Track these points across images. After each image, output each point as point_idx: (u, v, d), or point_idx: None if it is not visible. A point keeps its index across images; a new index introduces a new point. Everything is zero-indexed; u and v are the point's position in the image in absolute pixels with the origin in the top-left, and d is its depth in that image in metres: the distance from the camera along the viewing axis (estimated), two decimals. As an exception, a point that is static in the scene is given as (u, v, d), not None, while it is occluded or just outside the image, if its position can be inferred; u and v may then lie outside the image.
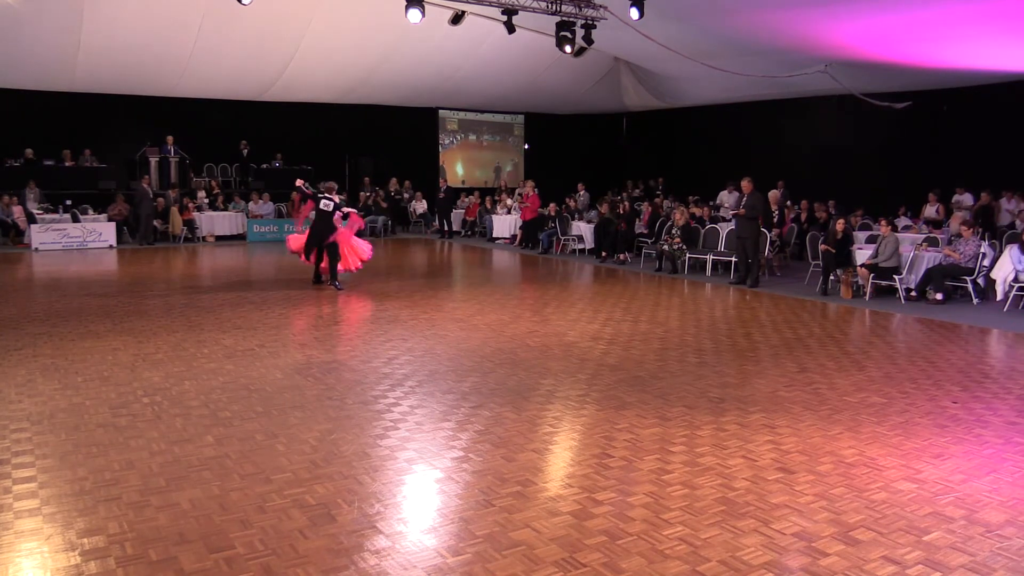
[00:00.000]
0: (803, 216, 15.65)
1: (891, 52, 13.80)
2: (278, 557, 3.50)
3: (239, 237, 18.24)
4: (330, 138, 20.96)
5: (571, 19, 13.77)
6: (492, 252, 17.18)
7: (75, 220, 16.35)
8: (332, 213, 11.03)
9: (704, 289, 12.01)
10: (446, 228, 19.71)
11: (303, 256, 11.33)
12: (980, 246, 10.68)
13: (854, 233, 12.51)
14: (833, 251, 11.21)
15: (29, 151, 17.76)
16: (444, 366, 6.94)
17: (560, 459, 4.83)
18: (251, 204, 18.84)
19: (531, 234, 17.47)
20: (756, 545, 3.66)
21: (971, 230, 10.94)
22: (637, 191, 22.16)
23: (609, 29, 14.20)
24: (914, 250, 11.17)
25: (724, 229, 13.55)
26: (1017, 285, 10.09)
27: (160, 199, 17.52)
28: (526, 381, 6.48)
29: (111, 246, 16.36)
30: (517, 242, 18.01)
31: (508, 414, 5.58)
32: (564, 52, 14.38)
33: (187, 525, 3.79)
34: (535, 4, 13.51)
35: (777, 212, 14.46)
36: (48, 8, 14.19)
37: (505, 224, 18.90)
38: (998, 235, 13.12)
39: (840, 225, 11.41)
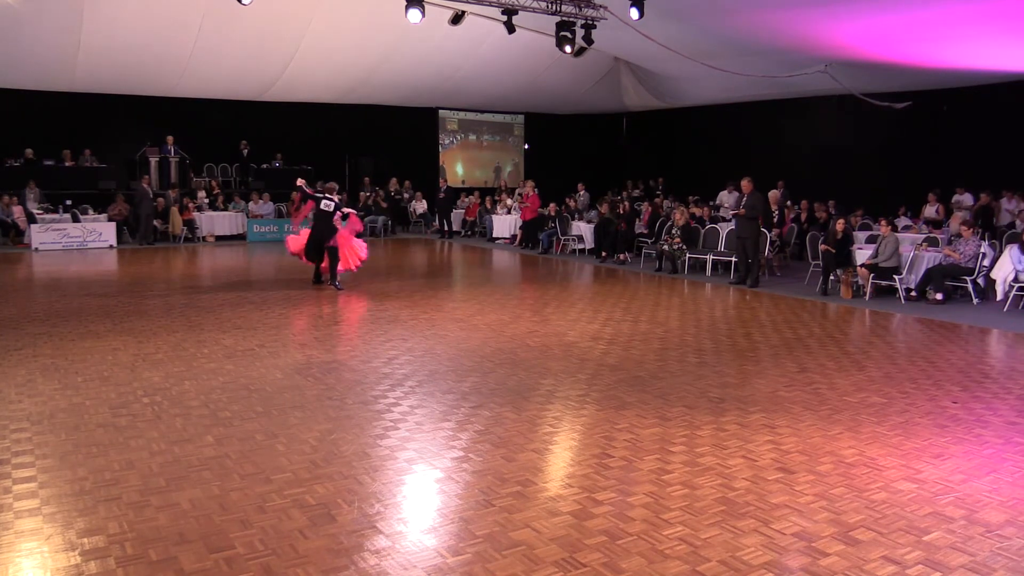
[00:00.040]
0: (803, 216, 15.65)
1: (891, 52, 13.80)
2: (278, 557, 3.50)
3: (239, 237, 18.24)
4: (330, 138, 20.96)
5: (571, 19, 13.77)
6: (492, 252, 17.18)
7: (75, 220, 16.36)
8: (333, 214, 11.03)
9: (704, 289, 12.01)
10: (446, 228, 19.71)
11: (303, 258, 11.33)
12: (980, 246, 10.68)
13: (854, 233, 12.52)
14: (833, 251, 11.21)
15: (29, 151, 17.77)
16: (444, 366, 6.94)
17: (560, 459, 4.83)
18: (251, 204, 18.85)
19: (531, 234, 17.47)
20: (756, 545, 3.66)
21: (971, 230, 10.94)
22: (637, 191, 22.16)
23: (609, 29, 14.20)
24: (914, 250, 11.17)
25: (724, 229, 13.55)
26: (1017, 285, 10.09)
27: (160, 199, 17.53)
28: (526, 381, 6.48)
29: (111, 246, 16.36)
30: (517, 242, 18.01)
31: (508, 414, 5.58)
32: (564, 52, 14.38)
33: (187, 525, 3.79)
34: (535, 4, 13.51)
35: (777, 212, 14.46)
36: (48, 8, 14.19)
37: (505, 224, 18.90)
38: (998, 235, 13.12)
39: (840, 225, 11.41)
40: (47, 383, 6.21)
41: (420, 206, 21.30)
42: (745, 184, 12.06)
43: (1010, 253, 10.17)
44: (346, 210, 11.44)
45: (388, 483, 4.36)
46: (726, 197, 17.76)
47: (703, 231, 14.02)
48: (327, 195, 11.17)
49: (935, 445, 5.04)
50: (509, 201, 19.76)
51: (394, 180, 21.53)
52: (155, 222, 17.18)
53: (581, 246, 16.34)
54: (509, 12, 13.42)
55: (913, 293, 10.82)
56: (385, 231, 20.03)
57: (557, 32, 13.76)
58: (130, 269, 13.39)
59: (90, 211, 16.95)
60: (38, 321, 8.66)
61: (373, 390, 6.15)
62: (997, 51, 12.93)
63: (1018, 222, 14.18)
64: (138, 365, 6.81)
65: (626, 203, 16.23)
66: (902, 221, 14.67)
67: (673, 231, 13.81)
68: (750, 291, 11.64)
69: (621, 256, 15.03)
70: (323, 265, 11.32)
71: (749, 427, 5.35)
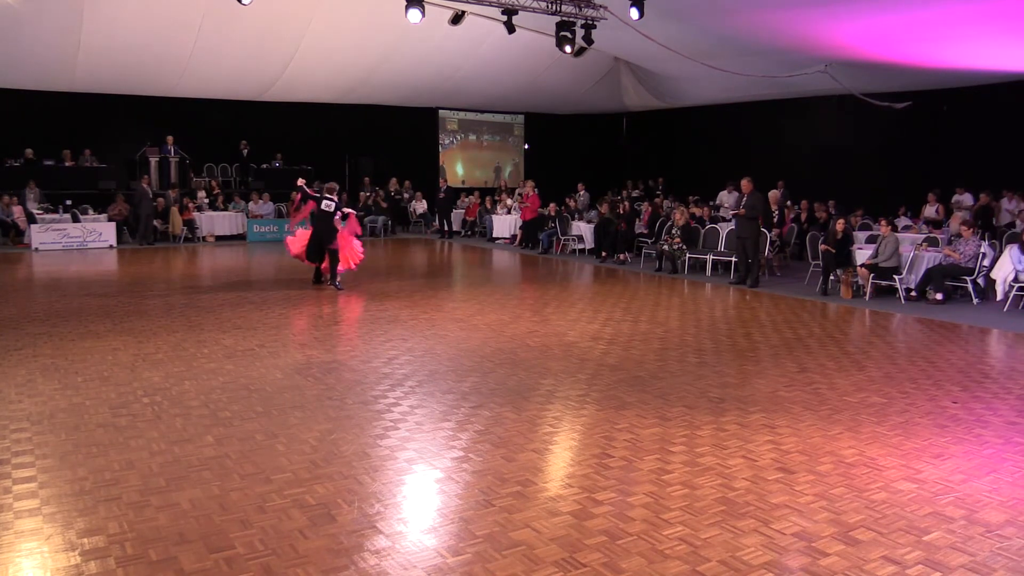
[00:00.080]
0: (803, 216, 15.65)
1: (891, 52, 13.80)
2: (278, 557, 3.50)
3: (239, 237, 18.24)
4: (330, 138, 20.97)
5: (571, 19, 13.77)
6: (492, 252, 17.18)
7: (75, 220, 16.36)
8: (333, 214, 11.04)
9: (704, 289, 12.01)
10: (446, 228, 19.71)
11: (304, 259, 11.34)
12: (980, 246, 10.68)
13: (854, 233, 12.52)
14: (833, 251, 11.21)
15: (29, 151, 17.77)
16: (444, 366, 6.94)
17: (560, 459, 4.83)
18: (251, 204, 18.85)
19: (531, 234, 17.47)
20: (756, 545, 3.66)
21: (971, 230, 10.94)
22: (637, 191, 22.15)
23: (609, 29, 14.20)
24: (914, 250, 11.17)
25: (724, 229, 13.55)
26: (1017, 285, 10.09)
27: (160, 199, 17.53)
28: (526, 381, 6.48)
29: (111, 246, 16.36)
30: (517, 242, 18.01)
31: (508, 414, 5.58)
32: (564, 52, 14.38)
33: (187, 525, 3.79)
34: (535, 4, 13.51)
35: (777, 212, 14.46)
36: (48, 8, 14.19)
37: (505, 224, 18.90)
38: (998, 235, 13.12)
39: (840, 225, 11.40)
40: (47, 383, 6.21)
41: (420, 206, 21.30)
42: (745, 184, 12.05)
43: (1010, 253, 10.17)
44: (346, 210, 11.44)
45: (388, 483, 4.36)
46: (726, 197, 17.76)
47: (703, 231, 14.02)
48: (327, 195, 11.17)
49: (935, 445, 5.04)
50: (509, 201, 19.75)
51: (394, 180, 21.53)
52: (155, 222, 17.18)
53: (581, 246, 16.34)
54: (509, 12, 13.42)
55: (913, 293, 10.82)
56: (385, 231, 20.03)
57: (557, 32, 13.76)
58: (130, 269, 13.39)
59: (90, 211, 16.95)
60: (38, 321, 8.66)
61: (373, 390, 6.15)
62: (997, 51, 12.94)
63: (1018, 222, 14.18)
64: (138, 365, 6.81)
65: (626, 203, 16.23)
66: (902, 221, 14.67)
67: (673, 231, 13.81)
68: (750, 291, 11.64)
69: (621, 256, 15.03)
70: (323, 265, 11.32)
71: (749, 427, 5.35)
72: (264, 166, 20.37)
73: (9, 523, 3.78)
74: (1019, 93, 14.89)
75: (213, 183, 19.56)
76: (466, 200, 21.18)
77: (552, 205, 17.34)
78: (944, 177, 15.69)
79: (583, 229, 16.41)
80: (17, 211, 16.41)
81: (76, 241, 16.03)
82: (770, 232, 12.89)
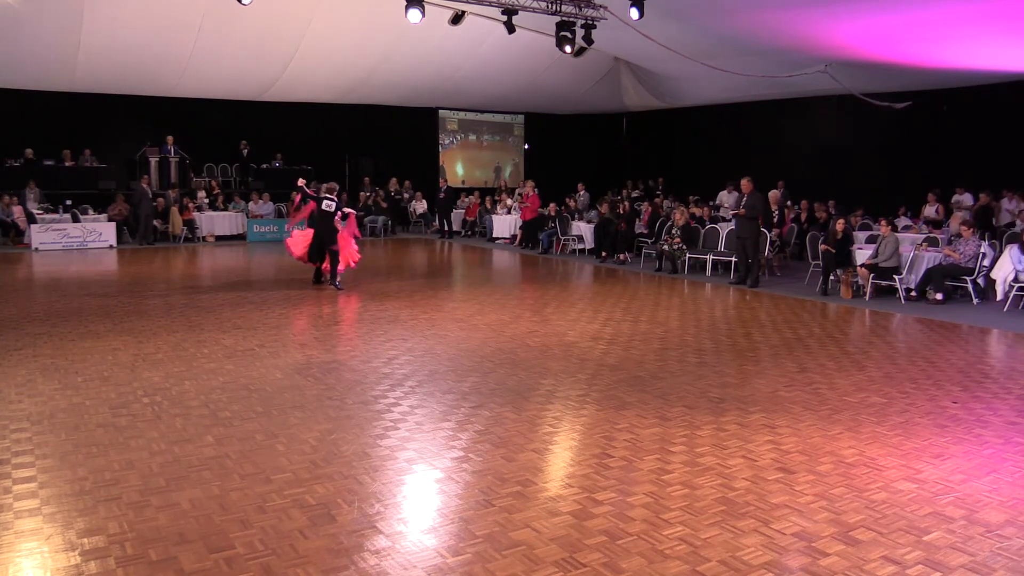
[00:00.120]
0: (803, 216, 15.65)
1: (891, 52, 13.80)
2: (278, 557, 3.50)
3: (239, 237, 18.24)
4: (330, 138, 20.97)
5: (571, 19, 13.77)
6: (492, 252, 17.18)
7: (75, 220, 16.36)
8: (334, 214, 11.05)
9: (704, 289, 12.01)
10: (446, 228, 19.70)
11: (307, 261, 11.34)
12: (980, 246, 10.68)
13: (854, 233, 12.52)
14: (833, 251, 11.21)
15: (29, 151, 17.77)
16: (444, 366, 6.94)
17: (560, 459, 4.83)
18: (251, 204, 18.85)
19: (531, 234, 17.47)
20: (756, 545, 3.66)
21: (971, 230, 10.94)
22: (637, 191, 22.15)
23: (609, 29, 14.20)
24: (914, 250, 11.17)
25: (724, 229, 13.55)
26: (1017, 285, 10.09)
27: (160, 199, 17.53)
28: (526, 381, 6.48)
29: (111, 246, 16.36)
30: (517, 242, 18.01)
31: (508, 414, 5.58)
32: (564, 52, 14.38)
33: (187, 525, 3.79)
34: (535, 4, 13.51)
35: (777, 212, 14.46)
36: (48, 8, 14.19)
37: (505, 224, 18.90)
38: (998, 235, 13.12)
39: (840, 225, 11.40)
40: (47, 383, 6.21)
41: (420, 206, 21.30)
42: (745, 184, 12.05)
43: (1010, 253, 10.17)
44: (346, 210, 11.45)
45: (388, 483, 4.36)
46: (726, 197, 17.76)
47: (703, 231, 14.02)
48: (328, 195, 11.17)
49: (935, 445, 5.04)
50: (509, 201, 19.76)
51: (394, 180, 21.53)
52: (155, 222, 17.18)
53: (581, 246, 16.34)
54: (509, 12, 13.42)
55: (913, 293, 10.82)
56: (385, 231, 20.03)
57: (557, 32, 13.76)
58: (130, 269, 13.39)
59: (90, 211, 16.95)
60: (38, 321, 8.66)
61: (373, 390, 6.15)
62: (997, 51, 12.93)
63: (1018, 222, 14.18)
64: (138, 365, 6.81)
65: (626, 203, 16.23)
66: (902, 221, 14.67)
67: (673, 231, 13.81)
68: (750, 291, 11.64)
69: (621, 256, 15.03)
70: (324, 265, 11.32)
71: (749, 427, 5.35)
72: (264, 166, 20.37)
73: (9, 523, 3.78)
74: (1019, 93, 14.89)
75: (213, 183, 19.56)
76: (466, 200, 21.18)
77: (552, 205, 17.34)
78: (944, 177, 15.69)
79: (583, 229, 16.41)
80: (17, 211, 16.41)
81: (76, 241, 16.04)
82: (770, 232, 12.89)
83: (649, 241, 15.05)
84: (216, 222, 18.16)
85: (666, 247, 13.65)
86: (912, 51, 13.62)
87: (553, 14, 13.63)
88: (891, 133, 17.33)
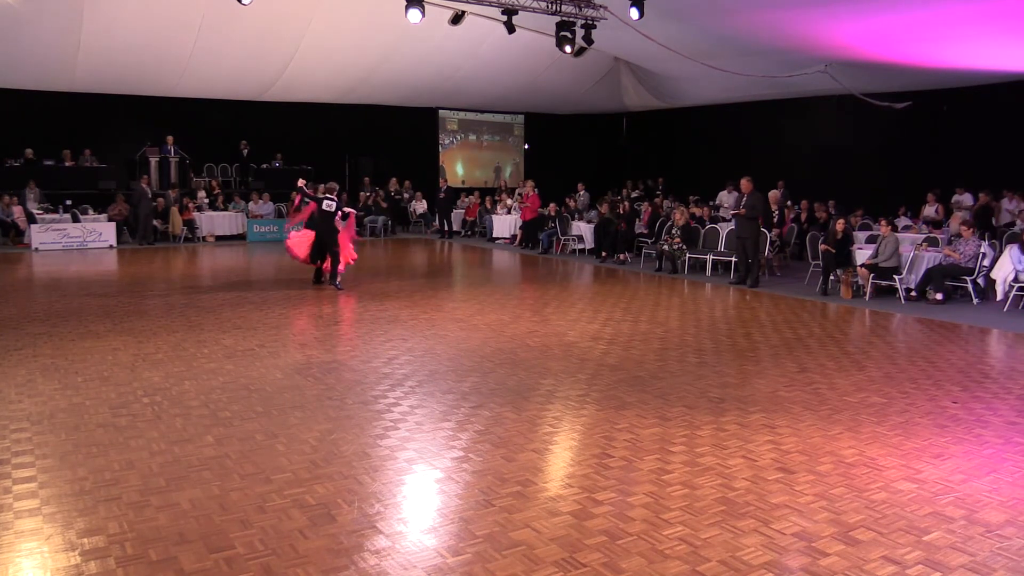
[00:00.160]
0: (803, 216, 15.65)
1: (891, 52, 13.80)
2: (278, 557, 3.50)
3: (239, 237, 18.24)
4: (330, 138, 20.96)
5: (571, 19, 13.77)
6: (492, 252, 17.18)
7: (75, 220, 16.36)
8: (334, 214, 11.05)
9: (704, 289, 12.01)
10: (446, 228, 19.71)
11: (309, 262, 11.34)
12: (980, 246, 10.68)
13: (854, 233, 12.52)
14: (833, 251, 11.21)
15: (29, 151, 17.77)
16: (444, 366, 6.94)
17: (560, 459, 4.83)
18: (251, 204, 18.85)
19: (531, 234, 17.47)
20: (756, 545, 3.66)
21: (971, 230, 10.94)
22: (637, 191, 22.15)
23: (609, 29, 14.20)
24: (914, 250, 11.17)
25: (724, 229, 13.55)
26: (1017, 285, 10.09)
27: (160, 199, 17.53)
28: (526, 381, 6.48)
29: (111, 246, 16.36)
30: (517, 242, 18.01)
31: (508, 414, 5.58)
32: (564, 52, 14.38)
33: (187, 525, 3.79)
34: (535, 4, 13.51)
35: (777, 212, 14.46)
36: (48, 8, 14.19)
37: (505, 224, 18.90)
38: (998, 235, 13.12)
39: (840, 225, 11.41)
40: (47, 383, 6.21)
41: (420, 206, 21.30)
42: (745, 184, 12.05)
43: (1010, 253, 10.18)
44: (347, 209, 11.46)
45: (388, 483, 4.36)
46: (726, 197, 17.76)
47: (703, 231, 14.02)
48: (328, 196, 11.18)
49: (935, 445, 5.04)
50: (509, 201, 19.76)
51: (394, 180, 21.53)
52: (155, 222, 17.18)
53: (581, 246, 16.34)
54: (509, 12, 13.42)
55: (913, 293, 10.82)
56: (385, 231, 20.03)
57: (557, 32, 13.76)
58: (130, 269, 13.39)
59: (90, 211, 16.95)
60: (38, 321, 8.66)
61: (373, 390, 6.15)
62: (997, 51, 12.93)
63: (1018, 222, 14.18)
64: (138, 365, 6.81)
65: (626, 203, 16.23)
66: (902, 221, 14.67)
67: (673, 231, 13.81)
68: (750, 291, 11.64)
69: (621, 256, 15.03)
70: (325, 265, 11.32)
71: (749, 427, 5.36)
72: (264, 166, 20.37)
73: (9, 523, 3.78)
74: (1019, 93, 14.89)
75: (213, 183, 19.56)
76: (466, 200, 21.18)
77: (552, 205, 17.34)
78: (944, 177, 15.68)
79: (583, 229, 16.41)
80: (17, 211, 16.41)
81: (76, 241, 16.04)
82: (770, 232, 12.89)
83: (649, 241, 15.05)
84: (216, 222, 18.17)
85: (666, 247, 13.65)
86: (912, 51, 13.62)
87: (553, 14, 13.63)
88: (891, 133, 17.33)
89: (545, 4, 13.56)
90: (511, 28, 13.65)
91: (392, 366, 6.89)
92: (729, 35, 14.19)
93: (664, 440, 5.07)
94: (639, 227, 15.98)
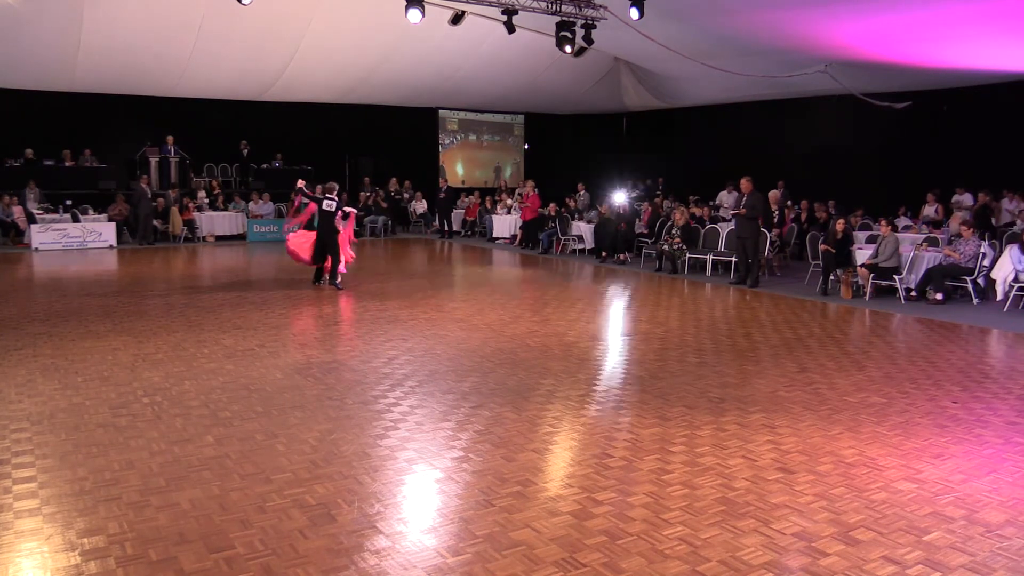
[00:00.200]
0: (803, 216, 15.65)
1: (891, 52, 13.80)
2: (278, 557, 3.50)
3: (239, 237, 18.24)
4: (330, 138, 20.96)
5: (571, 19, 13.77)
6: (492, 252, 17.18)
7: (75, 220, 16.36)
8: (335, 214, 11.05)
9: (704, 289, 12.01)
10: (446, 228, 19.71)
11: (313, 263, 11.34)
12: (980, 246, 10.68)
13: (854, 233, 12.51)
14: (833, 251, 11.21)
15: (29, 151, 17.77)
16: (444, 366, 6.94)
17: (560, 459, 4.83)
18: (251, 204, 18.85)
19: (531, 234, 17.47)
20: (756, 545, 3.66)
21: (971, 230, 10.94)
22: (637, 191, 22.14)
23: (609, 29, 14.20)
24: (914, 250, 11.17)
25: (724, 229, 13.55)
26: (1017, 285, 10.09)
27: (160, 199, 17.54)
28: (526, 381, 6.48)
29: (111, 246, 16.36)
30: (517, 242, 18.01)
31: (508, 414, 5.58)
32: (564, 52, 14.38)
33: (187, 525, 3.79)
34: (535, 4, 13.51)
35: (777, 212, 14.46)
36: (48, 8, 14.19)
37: (505, 224, 18.90)
38: (997, 235, 13.12)
39: (840, 225, 11.41)
40: (47, 383, 6.21)
41: (420, 206, 21.30)
42: (745, 184, 12.05)
43: (1010, 253, 10.17)
44: (347, 209, 11.45)
45: (388, 483, 4.36)
46: (726, 197, 17.76)
47: (703, 231, 14.02)
48: (328, 195, 11.18)
49: (935, 445, 5.04)
50: (509, 201, 19.75)
51: (394, 180, 21.53)
52: (155, 222, 17.18)
53: (581, 246, 16.34)
54: (509, 12, 13.42)
55: (913, 293, 10.82)
56: (385, 231, 20.03)
57: (557, 32, 13.76)
58: (130, 269, 13.39)
59: (90, 211, 16.95)
60: (38, 321, 8.66)
61: (373, 390, 6.15)
62: (997, 51, 12.93)
63: (1018, 222, 14.18)
64: (138, 365, 6.81)
65: (626, 203, 16.23)
66: (902, 221, 14.67)
67: (673, 231, 13.81)
68: (750, 291, 11.64)
69: (621, 256, 15.03)
70: (326, 265, 11.31)
71: (749, 427, 5.35)
72: (264, 166, 20.37)
73: (9, 523, 3.78)
74: (1019, 93, 14.89)
75: (213, 183, 19.56)
76: (466, 200, 21.18)
77: (552, 205, 17.34)
78: (944, 177, 15.68)
79: (583, 229, 16.41)
80: (17, 211, 16.41)
81: (76, 241, 16.04)
82: (770, 232, 12.89)
83: (649, 241, 15.05)
84: (216, 222, 18.17)
85: (666, 247, 13.65)
86: (912, 51, 13.62)
87: (553, 14, 13.63)
88: (891, 133, 17.32)
89: (545, 4, 13.56)
90: (511, 28, 13.65)
91: (392, 366, 6.89)
92: (729, 35, 14.19)
93: (664, 440, 5.07)
94: (639, 227, 15.98)
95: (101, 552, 3.51)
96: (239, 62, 17.27)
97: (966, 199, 15.08)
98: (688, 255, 13.48)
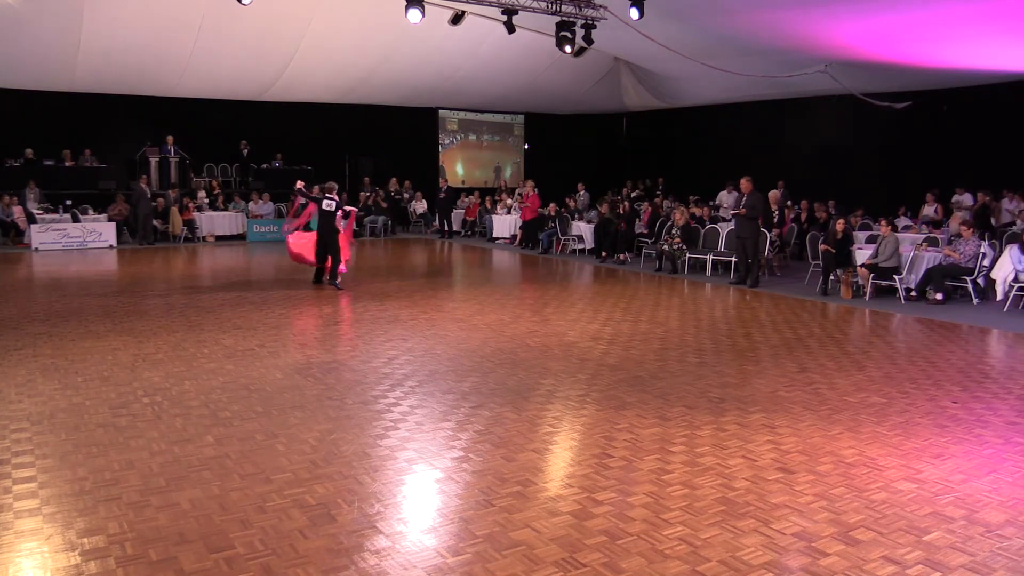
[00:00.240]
0: (803, 216, 15.65)
1: (891, 52, 13.80)
2: (278, 557, 3.50)
3: (239, 237, 18.24)
4: (330, 138, 20.96)
5: (571, 19, 13.77)
6: (492, 252, 17.18)
7: (75, 220, 16.36)
8: (335, 213, 11.05)
9: (704, 289, 12.01)
10: (446, 228, 19.70)
11: (314, 263, 11.34)
12: (980, 246, 10.68)
13: (854, 233, 12.51)
14: (833, 251, 11.21)
15: (29, 151, 17.77)
16: (444, 366, 6.94)
17: (560, 459, 4.83)
18: (251, 204, 18.85)
19: (531, 234, 17.47)
20: (756, 545, 3.66)
21: (971, 230, 10.94)
22: (637, 191, 22.15)
23: (609, 29, 14.20)
24: (914, 250, 11.17)
25: (724, 229, 13.55)
26: (1017, 285, 10.09)
27: (160, 199, 17.54)
28: (526, 381, 6.48)
29: (111, 246, 16.36)
30: (517, 242, 18.01)
31: (508, 414, 5.58)
32: (564, 52, 14.38)
33: (187, 525, 3.79)
34: (535, 4, 13.51)
35: (777, 212, 14.46)
36: (48, 8, 14.19)
37: (505, 224, 18.90)
38: (997, 235, 13.12)
39: (840, 225, 11.41)
40: (47, 383, 6.21)
41: (420, 206, 21.30)
42: (745, 184, 12.05)
43: (1010, 253, 10.18)
44: (347, 208, 11.45)
45: (388, 483, 4.36)
46: (726, 197, 17.76)
47: (703, 231, 14.02)
48: (328, 195, 11.18)
49: (935, 445, 5.04)
50: (509, 201, 19.75)
51: (394, 180, 21.53)
52: (155, 222, 17.18)
53: (581, 246, 16.34)
54: (509, 12, 13.42)
55: (913, 293, 10.82)
56: (385, 231, 20.02)
57: (557, 32, 13.76)
58: (130, 269, 13.39)
59: (90, 211, 16.95)
60: (38, 321, 8.66)
61: (373, 390, 6.15)
62: (997, 51, 12.93)
63: (1018, 222, 14.18)
64: (138, 365, 6.81)
65: (626, 203, 16.23)
66: (902, 221, 14.67)
67: (673, 231, 13.82)
68: (750, 291, 11.64)
69: (621, 256, 15.03)
70: (326, 265, 11.32)
71: (749, 427, 5.35)
72: (264, 166, 20.37)
73: (9, 523, 3.78)
74: (1019, 93, 14.89)
75: (213, 183, 19.56)
76: (466, 200, 21.18)
77: (552, 205, 17.34)
78: (944, 177, 15.68)
79: (583, 229, 16.41)
80: (17, 211, 16.41)
81: (76, 241, 16.04)
82: (770, 232, 12.89)
83: (649, 241, 15.05)
84: (216, 222, 18.17)
85: (666, 247, 13.65)
86: (912, 51, 13.62)
87: (553, 14, 13.63)
88: (891, 133, 17.33)
89: (545, 4, 13.56)
90: (511, 28, 13.65)
91: (392, 366, 6.89)
92: (729, 35, 14.19)
93: (664, 440, 5.07)
94: (639, 227, 15.98)
95: (101, 552, 3.51)
96: (239, 62, 17.27)
97: (966, 199, 15.08)
98: (688, 255, 13.48)
